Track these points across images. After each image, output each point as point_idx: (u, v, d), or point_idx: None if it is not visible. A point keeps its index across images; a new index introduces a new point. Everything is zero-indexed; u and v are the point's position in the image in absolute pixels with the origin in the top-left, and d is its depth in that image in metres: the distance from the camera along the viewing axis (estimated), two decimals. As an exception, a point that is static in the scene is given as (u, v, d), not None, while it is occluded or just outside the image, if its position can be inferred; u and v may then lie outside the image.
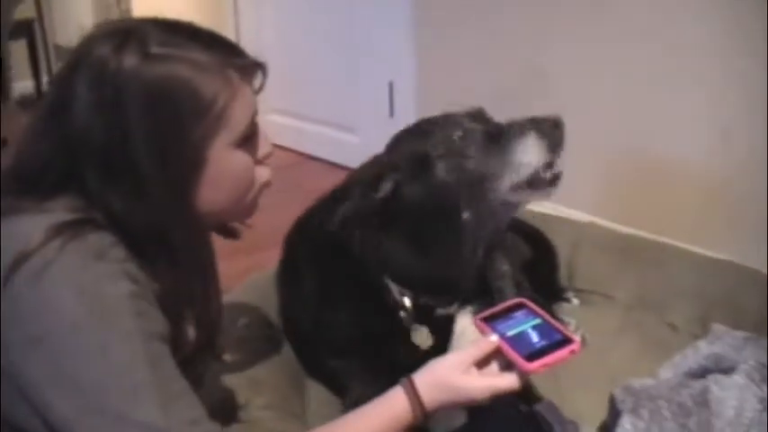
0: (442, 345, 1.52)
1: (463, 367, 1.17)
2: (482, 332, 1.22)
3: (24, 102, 5.22)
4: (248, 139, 1.15)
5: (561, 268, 2.24)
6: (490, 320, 1.23)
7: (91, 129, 1.04)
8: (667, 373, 1.59)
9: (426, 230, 1.44)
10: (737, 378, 1.38)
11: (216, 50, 1.10)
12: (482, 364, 1.19)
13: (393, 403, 1.19)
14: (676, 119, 2.52)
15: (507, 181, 1.37)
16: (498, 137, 1.40)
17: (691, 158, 2.50)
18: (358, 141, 3.77)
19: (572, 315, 2.05)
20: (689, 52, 2.44)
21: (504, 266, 1.92)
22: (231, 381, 1.56)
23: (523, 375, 1.15)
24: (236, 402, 1.50)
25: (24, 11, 5.07)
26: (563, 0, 2.75)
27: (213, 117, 1.07)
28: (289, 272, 1.71)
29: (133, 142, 1.03)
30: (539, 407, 1.46)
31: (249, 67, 1.15)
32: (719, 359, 1.52)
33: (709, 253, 2.24)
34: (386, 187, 1.42)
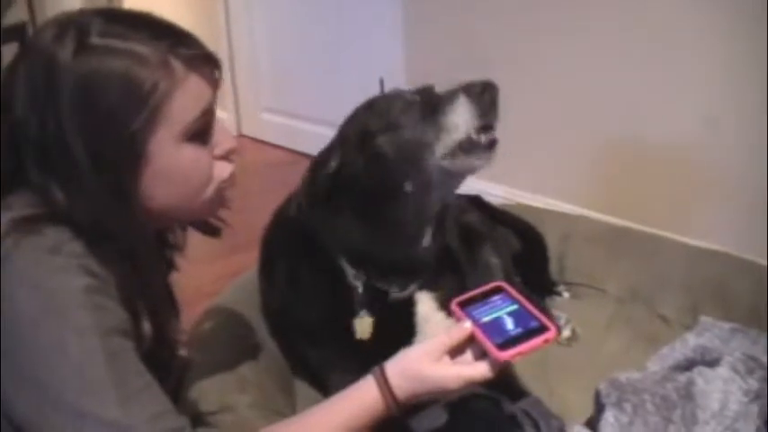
0: (405, 332, 1.51)
1: (435, 356, 1.15)
2: (456, 318, 1.18)
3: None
4: (201, 134, 1.12)
5: (552, 261, 2.24)
6: (466, 305, 1.19)
7: (28, 121, 1.03)
8: (655, 365, 1.58)
9: (371, 205, 1.44)
10: (722, 370, 1.37)
11: (160, 40, 1.07)
12: (456, 351, 1.16)
13: (363, 393, 1.17)
14: (665, 109, 2.50)
15: (441, 147, 1.35)
16: (431, 106, 1.39)
17: (680, 148, 2.49)
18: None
19: (563, 309, 2.05)
20: (676, 40, 2.42)
21: (494, 259, 1.92)
22: (217, 380, 1.55)
23: (497, 364, 1.11)
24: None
25: (17, 14, 5.06)
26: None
27: (151, 109, 1.05)
28: (266, 265, 1.72)
29: (68, 136, 1.02)
30: (524, 403, 1.44)
31: (196, 58, 1.11)
32: (706, 351, 1.51)
33: (701, 243, 2.23)
34: (332, 165, 1.43)
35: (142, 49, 1.05)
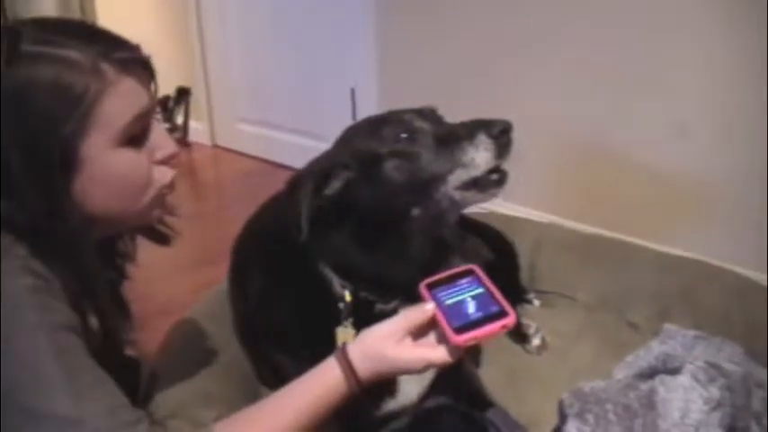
0: None
1: (396, 337, 1.15)
2: (422, 299, 1.18)
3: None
4: (136, 138, 1.12)
5: (523, 269, 2.24)
6: (434, 287, 1.19)
7: None
8: (620, 373, 1.59)
9: (375, 227, 1.43)
10: (682, 379, 1.38)
11: (92, 46, 1.07)
12: (420, 333, 1.16)
13: (326, 375, 1.17)
14: (635, 117, 2.52)
15: (454, 181, 1.36)
16: (447, 138, 1.39)
17: (652, 157, 2.51)
18: (324, 147, 3.74)
19: (534, 317, 2.05)
20: (651, 51, 2.44)
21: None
22: (183, 394, 1.54)
23: (453, 348, 1.11)
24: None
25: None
26: (522, 1, 2.75)
27: (82, 113, 1.05)
28: (238, 274, 1.71)
29: (2, 142, 1.02)
30: (490, 414, 1.44)
31: (129, 62, 1.11)
32: (668, 359, 1.52)
33: (671, 250, 2.24)
34: (335, 186, 1.41)
35: (73, 54, 1.05)
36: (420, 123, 1.43)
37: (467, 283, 1.19)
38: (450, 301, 1.15)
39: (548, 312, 2.14)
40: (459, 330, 1.09)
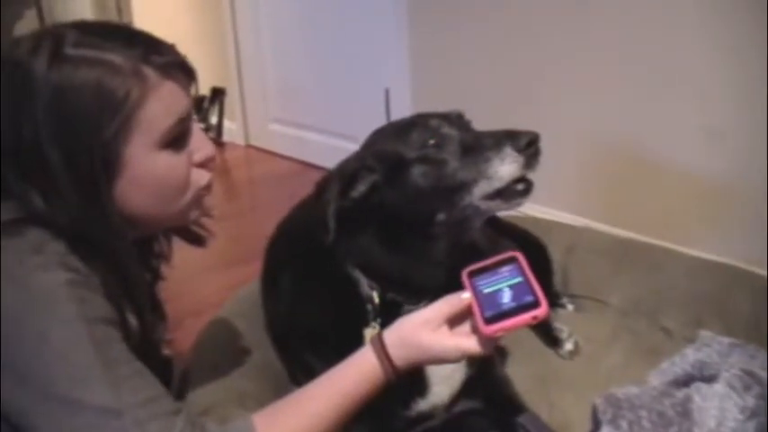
0: None
1: (433, 325, 1.15)
2: (463, 286, 1.17)
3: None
4: (177, 141, 1.13)
5: (556, 273, 2.23)
6: (475, 274, 1.18)
7: (5, 132, 1.05)
8: (655, 380, 1.57)
9: (399, 231, 1.44)
10: (719, 387, 1.36)
11: (133, 49, 1.08)
12: (456, 321, 1.16)
13: (362, 362, 1.18)
14: (670, 121, 2.50)
15: (480, 191, 1.36)
16: (474, 147, 1.39)
17: (684, 160, 2.48)
18: (357, 148, 3.76)
19: (566, 321, 2.03)
20: (682, 55, 2.42)
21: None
22: (217, 393, 1.55)
23: (485, 339, 1.11)
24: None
25: (27, 26, 5.09)
26: (554, 3, 2.74)
27: (125, 117, 1.06)
28: (270, 275, 1.71)
29: (44, 144, 1.03)
30: (522, 418, 1.44)
31: (170, 65, 1.12)
32: (704, 366, 1.50)
33: (704, 255, 2.22)
34: (361, 188, 1.42)
35: (115, 58, 1.06)
36: (447, 130, 1.43)
37: (508, 271, 1.17)
38: (487, 290, 1.14)
39: (580, 317, 2.12)
40: (490, 320, 1.08)
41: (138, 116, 1.07)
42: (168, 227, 1.31)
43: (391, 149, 1.44)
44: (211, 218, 1.31)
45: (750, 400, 1.33)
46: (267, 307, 1.76)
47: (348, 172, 1.44)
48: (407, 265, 1.46)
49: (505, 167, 1.33)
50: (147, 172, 1.11)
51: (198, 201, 1.21)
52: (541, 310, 1.07)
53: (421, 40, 3.28)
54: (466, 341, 1.13)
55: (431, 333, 1.15)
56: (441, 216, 1.40)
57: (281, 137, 4.33)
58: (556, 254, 2.22)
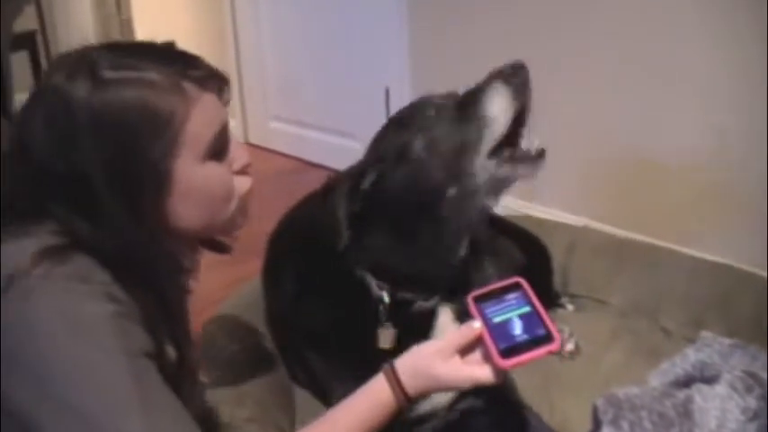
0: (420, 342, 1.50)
1: (445, 355, 1.16)
2: (471, 313, 1.17)
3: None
4: (219, 151, 1.13)
5: (556, 273, 2.23)
6: (482, 300, 1.18)
7: (49, 159, 1.04)
8: (655, 380, 1.57)
9: (411, 215, 1.42)
10: (720, 388, 1.36)
11: (170, 66, 1.08)
12: (466, 349, 1.16)
13: (377, 392, 1.19)
14: (670, 120, 2.49)
15: (485, 143, 1.35)
16: (467, 101, 1.39)
17: (685, 160, 2.48)
18: (357, 147, 3.75)
19: (566, 321, 2.03)
20: (683, 54, 2.41)
21: (490, 270, 1.90)
22: (216, 393, 1.55)
23: (499, 370, 1.11)
24: (217, 419, 1.49)
25: (27, 23, 5.09)
26: (557, 1, 2.73)
27: (172, 134, 1.05)
28: (271, 270, 1.71)
29: (91, 171, 1.03)
30: (521, 417, 1.44)
31: (207, 78, 1.12)
32: (705, 367, 1.51)
33: (705, 255, 2.21)
34: (369, 179, 1.42)
35: (154, 76, 1.05)
36: (442, 100, 1.43)
37: (514, 299, 1.17)
38: (497, 320, 1.14)
39: (580, 317, 2.12)
40: (506, 353, 1.09)
41: (184, 132, 1.07)
42: (217, 236, 1.30)
43: (391, 136, 1.45)
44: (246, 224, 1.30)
45: (751, 402, 1.33)
46: (269, 305, 1.76)
47: (356, 171, 1.44)
48: (418, 257, 1.45)
49: (497, 102, 1.33)
50: (195, 186, 1.10)
51: (243, 207, 1.21)
52: (556, 345, 1.08)
53: (421, 38, 3.27)
54: (479, 371, 1.14)
55: (443, 364, 1.16)
56: (452, 191, 1.38)
57: (281, 134, 4.32)
58: (556, 254, 2.22)
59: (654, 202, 2.61)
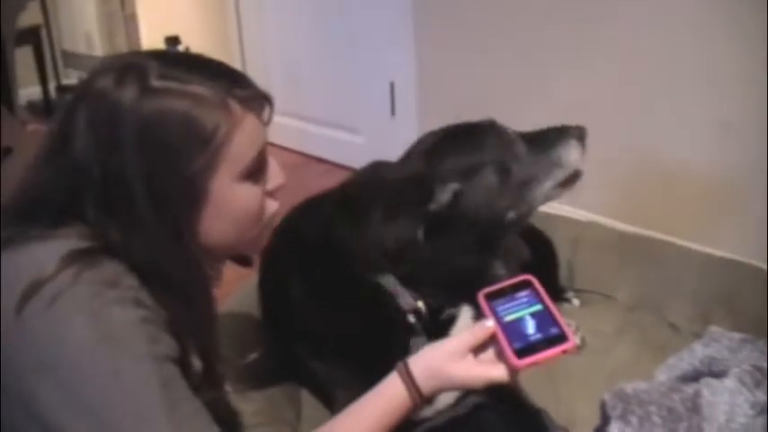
0: None
1: (459, 356, 1.15)
2: (483, 311, 1.17)
3: (32, 108, 5.26)
4: (256, 172, 1.13)
5: (561, 268, 2.22)
6: (493, 298, 1.17)
7: (89, 162, 1.03)
8: (663, 375, 1.57)
9: (473, 235, 1.47)
10: (729, 382, 1.36)
11: (218, 82, 1.07)
12: (479, 348, 1.16)
13: (391, 392, 1.18)
14: (676, 116, 2.49)
15: (552, 182, 1.53)
16: (540, 142, 1.54)
17: (691, 155, 2.47)
18: (361, 141, 3.77)
19: (572, 316, 2.03)
20: (688, 49, 2.41)
21: (501, 271, 1.90)
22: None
23: (513, 369, 1.11)
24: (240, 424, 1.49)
25: (31, 17, 5.10)
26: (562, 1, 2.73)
27: (213, 150, 1.05)
28: (275, 277, 1.70)
29: (130, 177, 1.02)
30: (526, 413, 1.43)
31: (253, 99, 1.11)
32: (713, 362, 1.50)
33: (711, 250, 2.21)
34: (442, 199, 1.43)
35: (202, 90, 1.05)
36: (512, 132, 1.54)
37: (526, 297, 1.17)
38: (509, 318, 1.13)
39: (586, 311, 2.12)
40: (520, 353, 1.08)
41: (226, 150, 1.06)
42: (235, 254, 1.30)
43: (469, 157, 1.49)
44: None
45: (761, 396, 1.33)
46: (271, 311, 1.74)
47: (419, 187, 1.44)
48: (465, 269, 1.49)
49: (573, 156, 1.55)
50: (229, 204, 1.10)
51: (269, 227, 1.22)
52: (570, 344, 1.07)
53: (426, 32, 3.26)
54: (493, 370, 1.13)
55: (457, 364, 1.15)
56: (511, 214, 1.49)
57: (285, 129, 4.31)
58: (561, 248, 2.22)
59: (660, 197, 2.60)
